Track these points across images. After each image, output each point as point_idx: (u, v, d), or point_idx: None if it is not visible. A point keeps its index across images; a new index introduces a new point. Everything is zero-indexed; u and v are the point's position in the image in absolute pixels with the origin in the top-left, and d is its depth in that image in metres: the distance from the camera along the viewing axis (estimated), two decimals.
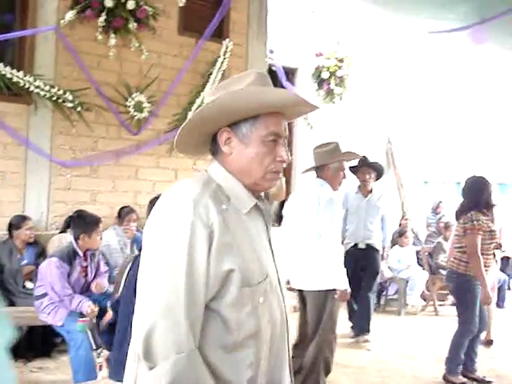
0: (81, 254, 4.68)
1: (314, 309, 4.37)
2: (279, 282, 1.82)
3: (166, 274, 1.57)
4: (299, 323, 4.63)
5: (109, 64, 6.63)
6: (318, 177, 4.62)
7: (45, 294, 4.60)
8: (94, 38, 6.43)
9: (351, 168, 6.71)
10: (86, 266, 4.75)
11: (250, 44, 7.86)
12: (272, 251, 1.83)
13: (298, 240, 4.52)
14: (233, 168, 1.78)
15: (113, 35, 6.47)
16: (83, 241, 4.65)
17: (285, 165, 1.80)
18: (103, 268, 5.04)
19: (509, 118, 12.48)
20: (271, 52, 8.78)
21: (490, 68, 11.39)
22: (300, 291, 4.59)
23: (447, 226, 8.87)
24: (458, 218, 5.32)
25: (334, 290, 4.26)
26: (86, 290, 4.83)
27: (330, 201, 4.39)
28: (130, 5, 6.43)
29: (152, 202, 3.33)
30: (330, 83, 9.95)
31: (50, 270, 4.52)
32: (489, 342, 6.68)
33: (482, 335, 6.91)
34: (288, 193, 9.56)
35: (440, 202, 10.61)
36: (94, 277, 4.92)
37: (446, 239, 8.80)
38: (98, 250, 4.99)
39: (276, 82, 9.14)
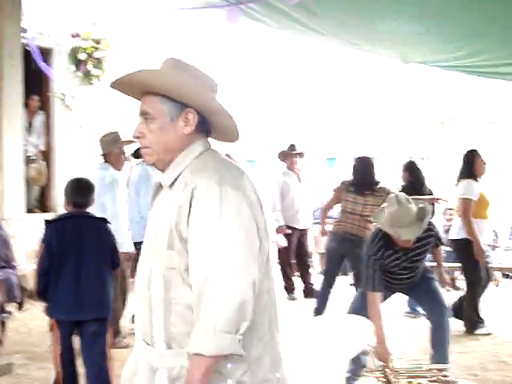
0: None
1: None
2: (152, 247, 1.90)
3: None
4: None
5: None
6: (105, 162, 5.60)
7: None
8: None
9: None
10: None
11: (4, 23, 7.52)
12: (159, 217, 1.90)
13: None
14: None
15: None
16: None
17: (139, 141, 1.93)
18: None
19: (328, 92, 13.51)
20: (24, 31, 8.44)
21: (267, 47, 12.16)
22: None
23: None
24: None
25: None
26: None
27: (114, 182, 5.39)
28: None
29: None
30: (87, 64, 9.88)
31: None
32: None
33: None
34: (49, 177, 9.39)
35: None
36: None
37: None
38: None
39: (31, 63, 8.84)
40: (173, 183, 1.87)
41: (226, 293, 1.69)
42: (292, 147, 8.06)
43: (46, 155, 9.53)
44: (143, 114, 1.91)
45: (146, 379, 1.87)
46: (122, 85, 1.94)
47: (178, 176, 1.86)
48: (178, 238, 1.78)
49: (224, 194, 1.76)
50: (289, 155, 8.01)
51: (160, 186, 1.99)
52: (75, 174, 9.14)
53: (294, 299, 7.91)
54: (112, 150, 5.59)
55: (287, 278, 8.08)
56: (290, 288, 8.03)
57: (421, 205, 4.10)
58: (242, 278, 1.71)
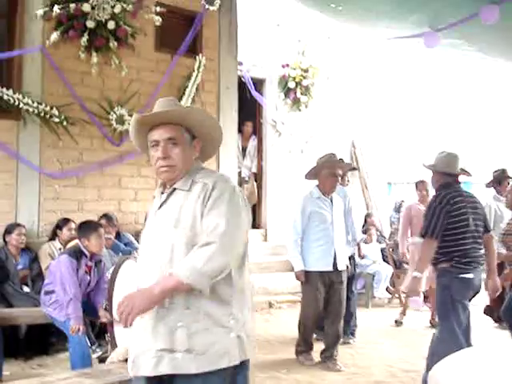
0: (87, 253, 5.15)
1: None
2: (149, 244, 2.51)
3: None
4: None
5: (91, 80, 7.10)
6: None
7: (53, 291, 5.06)
8: (77, 57, 6.89)
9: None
10: (91, 267, 5.21)
11: (222, 58, 8.39)
12: (156, 221, 2.51)
13: None
14: None
15: (95, 53, 6.93)
16: (84, 243, 5.13)
17: (171, 161, 2.45)
18: (106, 278, 5.38)
19: (468, 118, 13.24)
20: (240, 64, 9.31)
21: (448, 72, 12.14)
22: None
23: None
24: None
25: None
26: (87, 290, 5.28)
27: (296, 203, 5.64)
28: (111, 25, 6.90)
29: None
30: (296, 92, 10.54)
31: (60, 266, 4.99)
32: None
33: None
34: (260, 197, 10.16)
35: (402, 201, 11.23)
36: (97, 283, 5.36)
37: None
38: (103, 260, 5.45)
39: (245, 93, 9.69)
40: (189, 188, 2.45)
41: (219, 254, 2.26)
42: (504, 172, 7.77)
43: (258, 176, 10.33)
44: (170, 139, 2.46)
45: (167, 337, 2.35)
46: (152, 117, 2.49)
47: (191, 183, 2.46)
48: (199, 220, 2.36)
49: (233, 186, 2.44)
50: (504, 180, 7.70)
51: (162, 194, 2.55)
52: (284, 194, 9.92)
53: None
54: (321, 172, 5.72)
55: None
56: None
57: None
58: (234, 247, 2.33)
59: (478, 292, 4.72)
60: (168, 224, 2.43)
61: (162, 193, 2.56)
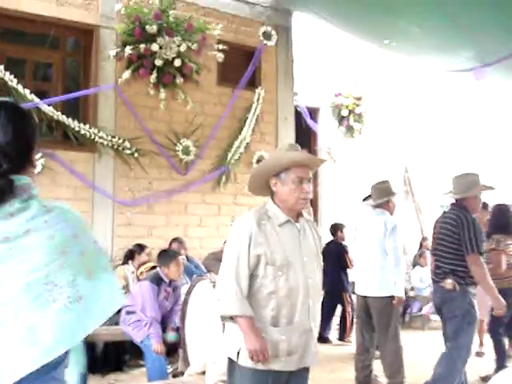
0: (166, 280, 5.58)
1: (379, 314, 5.63)
2: (306, 265, 2.95)
3: (227, 258, 2.96)
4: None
5: (159, 114, 7.61)
6: (377, 207, 5.85)
7: (134, 312, 5.49)
8: (146, 93, 7.40)
9: None
10: (169, 293, 5.63)
11: (279, 90, 8.83)
12: (302, 248, 2.98)
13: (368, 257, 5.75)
14: (278, 199, 3.03)
15: (162, 89, 7.42)
16: (164, 271, 5.56)
17: (310, 196, 3.03)
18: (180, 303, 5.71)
19: None
20: (295, 94, 9.72)
21: (497, 97, 12.31)
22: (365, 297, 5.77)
23: None
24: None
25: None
26: (165, 314, 5.69)
27: (394, 227, 5.66)
28: (177, 63, 7.38)
29: None
30: (349, 120, 10.87)
31: (142, 291, 5.42)
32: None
33: None
34: (315, 221, 10.44)
35: None
36: (172, 307, 5.77)
37: None
38: (179, 285, 5.85)
39: (301, 122, 10.08)
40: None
41: None
42: None
43: (313, 202, 10.65)
44: (309, 179, 3.02)
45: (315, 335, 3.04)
46: (313, 160, 3.18)
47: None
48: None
49: None
50: None
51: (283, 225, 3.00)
52: (338, 219, 10.20)
53: None
54: (390, 198, 5.87)
55: None
56: None
57: None
58: None
59: (438, 307, 5.12)
60: (316, 251, 3.10)
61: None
